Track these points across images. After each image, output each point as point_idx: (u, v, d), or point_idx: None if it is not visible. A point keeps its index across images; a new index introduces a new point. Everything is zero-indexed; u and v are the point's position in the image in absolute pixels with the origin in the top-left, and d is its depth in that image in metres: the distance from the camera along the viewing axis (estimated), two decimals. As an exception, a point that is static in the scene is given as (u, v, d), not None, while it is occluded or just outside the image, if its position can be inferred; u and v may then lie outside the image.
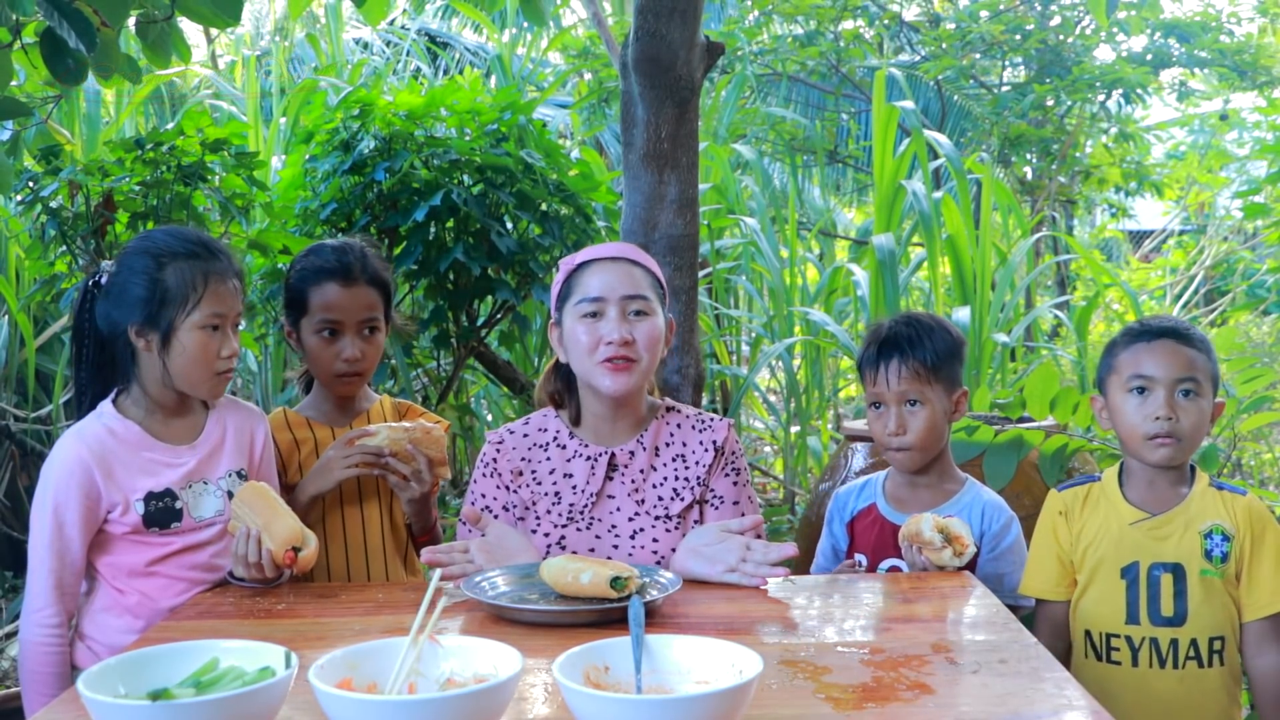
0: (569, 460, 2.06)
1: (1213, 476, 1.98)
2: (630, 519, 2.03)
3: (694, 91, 3.14)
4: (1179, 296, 7.76)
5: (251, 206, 3.37)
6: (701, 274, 4.96)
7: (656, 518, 2.03)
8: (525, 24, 7.28)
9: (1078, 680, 1.40)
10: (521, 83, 7.00)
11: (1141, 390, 1.90)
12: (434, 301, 3.70)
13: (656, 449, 2.07)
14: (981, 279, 4.81)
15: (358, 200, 3.53)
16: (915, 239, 5.42)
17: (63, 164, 3.10)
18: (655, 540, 2.02)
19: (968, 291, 4.83)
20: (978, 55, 7.02)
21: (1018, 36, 6.68)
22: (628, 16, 5.59)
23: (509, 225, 3.69)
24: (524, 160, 3.60)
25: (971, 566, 1.94)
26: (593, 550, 2.00)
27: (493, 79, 7.27)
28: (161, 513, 1.89)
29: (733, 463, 2.09)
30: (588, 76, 7.29)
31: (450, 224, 3.62)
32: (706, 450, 2.07)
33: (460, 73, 8.07)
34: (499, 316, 3.92)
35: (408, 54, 8.55)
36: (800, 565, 2.24)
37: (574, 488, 2.04)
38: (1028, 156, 7.19)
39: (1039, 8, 7.08)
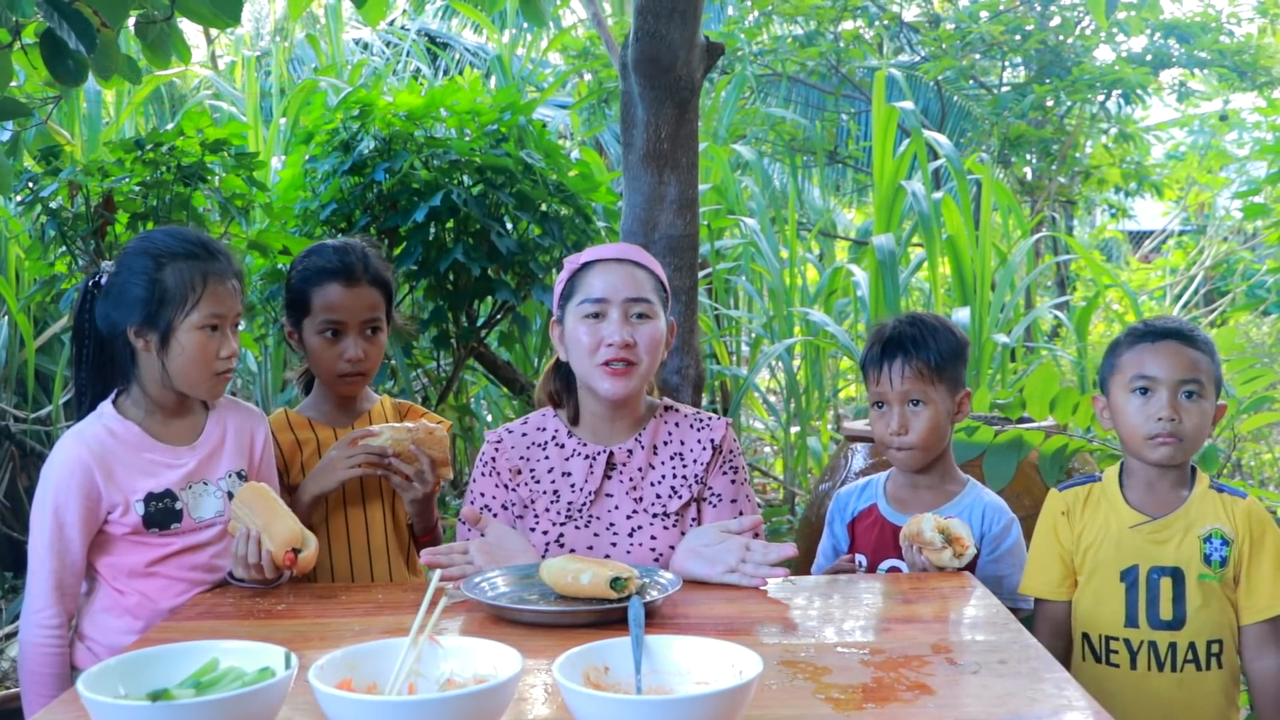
0: (567, 459, 2.06)
1: (1213, 478, 1.97)
2: (628, 517, 2.03)
3: (694, 92, 3.14)
4: (1179, 297, 7.76)
5: (251, 207, 3.37)
6: (701, 274, 4.96)
7: (654, 516, 2.03)
8: (525, 24, 7.27)
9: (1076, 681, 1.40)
10: (521, 83, 7.00)
11: (1144, 390, 1.90)
12: (434, 302, 3.70)
13: (655, 448, 2.07)
14: (981, 279, 4.80)
15: (358, 201, 3.53)
16: (915, 239, 5.41)
17: (63, 164, 3.10)
18: (653, 538, 2.02)
19: (967, 292, 4.83)
20: (977, 56, 7.02)
21: (1017, 37, 6.68)
22: (628, 17, 5.58)
23: (509, 226, 3.69)
24: (524, 161, 3.60)
25: (971, 568, 1.94)
26: (591, 548, 2.01)
27: (492, 79, 7.26)
28: (161, 513, 1.89)
29: (730, 461, 2.09)
30: (587, 77, 7.28)
31: (450, 224, 3.62)
32: (704, 449, 2.07)
33: (460, 73, 8.06)
34: (499, 317, 3.91)
35: (407, 54, 8.54)
36: (800, 566, 2.24)
37: (572, 486, 2.04)
38: (1027, 157, 7.18)
39: (1039, 8, 7.07)
